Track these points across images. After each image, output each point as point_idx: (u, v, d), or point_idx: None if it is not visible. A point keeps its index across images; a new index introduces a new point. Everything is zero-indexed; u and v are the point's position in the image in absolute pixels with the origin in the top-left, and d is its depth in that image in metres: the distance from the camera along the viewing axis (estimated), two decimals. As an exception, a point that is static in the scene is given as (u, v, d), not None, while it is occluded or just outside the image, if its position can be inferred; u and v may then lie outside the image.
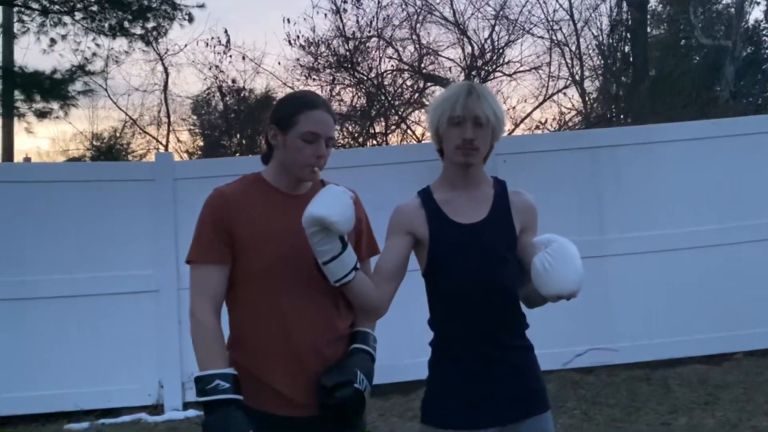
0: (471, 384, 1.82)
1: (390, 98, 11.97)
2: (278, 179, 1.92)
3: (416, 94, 12.34)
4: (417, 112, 12.33)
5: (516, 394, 1.83)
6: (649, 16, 14.70)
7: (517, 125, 11.79)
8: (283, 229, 1.84)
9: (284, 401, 1.83)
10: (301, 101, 1.90)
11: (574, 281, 1.65)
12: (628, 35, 13.47)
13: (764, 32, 15.31)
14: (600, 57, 13.75)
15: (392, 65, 12.24)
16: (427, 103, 11.49)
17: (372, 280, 1.86)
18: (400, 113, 12.12)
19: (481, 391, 1.82)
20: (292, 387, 1.83)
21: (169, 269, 5.05)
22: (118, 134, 14.91)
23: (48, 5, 9.81)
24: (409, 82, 12.33)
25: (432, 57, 12.29)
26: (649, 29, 14.67)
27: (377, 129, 12.28)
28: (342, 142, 11.95)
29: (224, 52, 12.53)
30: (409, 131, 12.42)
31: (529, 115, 12.08)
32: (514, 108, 12.30)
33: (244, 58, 12.84)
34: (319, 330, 1.86)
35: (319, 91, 11.89)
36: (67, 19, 10.11)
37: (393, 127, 12.46)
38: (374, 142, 12.16)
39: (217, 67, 12.99)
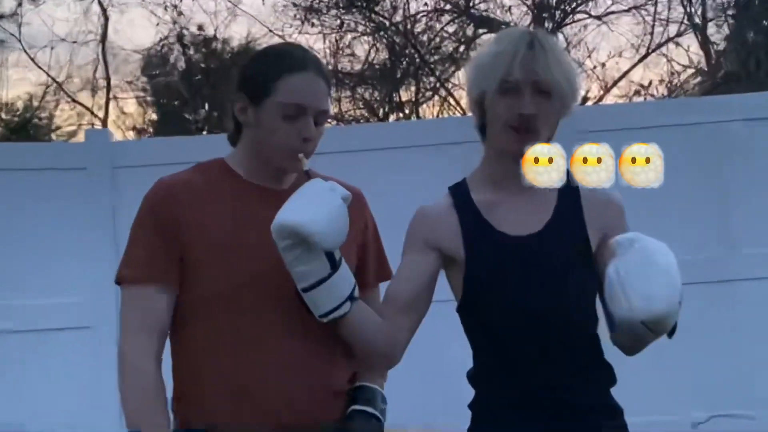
0: None
1: (423, 52, 12.38)
2: (250, 168, 1.96)
3: (462, 47, 12.74)
4: (462, 72, 12.76)
5: None
6: None
7: (606, 90, 12.04)
8: (256, 239, 1.84)
9: None
10: (279, 60, 1.92)
11: (662, 297, 1.65)
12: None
13: None
14: None
15: (427, 4, 12.66)
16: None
17: (380, 315, 1.91)
18: (437, 74, 12.51)
19: None
20: None
21: (106, 297, 4.74)
22: (36, 103, 15.32)
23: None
24: (451, 28, 12.81)
25: None
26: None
27: (404, 96, 12.81)
28: (352, 114, 13.06)
29: (186, -13, 13.13)
30: (450, 100, 12.90)
31: (625, 75, 12.26)
32: (603, 65, 12.43)
33: None
34: (303, 383, 1.89)
35: (321, 43, 13.34)
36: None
37: (428, 94, 12.99)
38: (399, 114, 12.71)
39: (175, 7, 13.50)
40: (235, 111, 1.93)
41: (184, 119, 14.66)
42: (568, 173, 1.84)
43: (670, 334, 1.72)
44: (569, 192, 1.92)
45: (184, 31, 13.87)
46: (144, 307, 1.87)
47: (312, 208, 1.69)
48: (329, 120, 9.84)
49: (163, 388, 1.86)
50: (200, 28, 13.91)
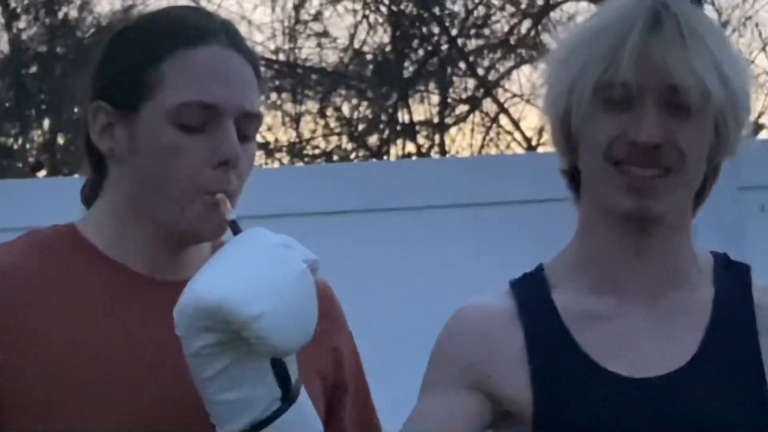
0: None
1: (457, 33, 10.49)
2: (122, 240, 1.48)
3: (528, 25, 10.54)
4: (529, 70, 10.76)
5: None
6: None
7: None
8: (134, 359, 1.41)
9: None
10: (163, 32, 1.46)
11: None
12: None
13: None
14: None
15: None
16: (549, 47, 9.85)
17: None
18: (483, 73, 10.62)
19: None
20: None
21: None
22: None
23: None
24: None
25: None
26: None
27: (419, 113, 10.76)
28: (320, 145, 11.44)
29: None
30: (505, 121, 10.77)
31: None
32: None
33: None
34: None
35: (267, 9, 12.60)
36: None
37: (463, 109, 10.80)
38: (407, 145, 10.87)
39: None
40: (91, 136, 1.45)
41: (5, 149, 12.28)
42: (739, 266, 1.58)
43: None
44: (737, 294, 1.54)
45: None
46: None
47: (251, 277, 1.23)
48: (273, 153, 10.98)
49: None
50: None
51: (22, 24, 11.51)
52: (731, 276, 1.49)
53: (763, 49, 10.59)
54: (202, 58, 1.38)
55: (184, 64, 1.38)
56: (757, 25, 10.26)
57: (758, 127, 9.47)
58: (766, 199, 4.30)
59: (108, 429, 1.35)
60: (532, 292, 1.49)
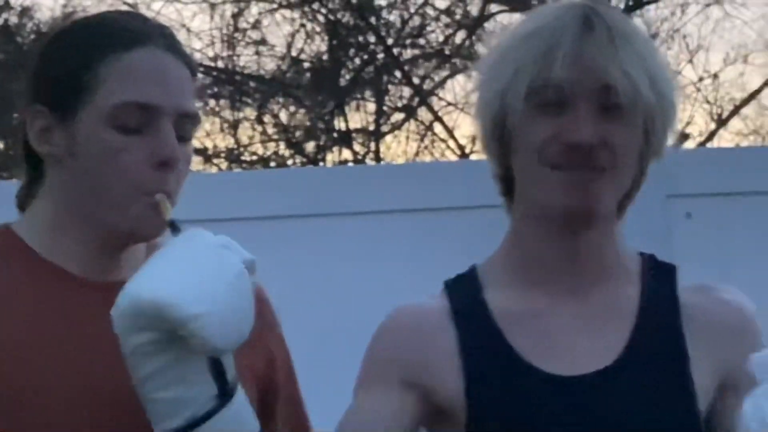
0: None
1: (393, 42, 10.67)
2: (58, 239, 1.46)
3: (463, 34, 10.84)
4: (463, 79, 11.09)
5: None
6: None
7: (722, 122, 9.99)
8: (69, 360, 1.38)
9: None
10: (98, 35, 1.43)
11: None
12: None
13: None
14: None
15: None
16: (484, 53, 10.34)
17: None
18: (418, 82, 10.86)
19: None
20: None
21: None
22: None
23: None
24: (443, 2, 10.98)
25: None
26: None
27: (354, 120, 11.03)
28: (258, 150, 11.65)
29: None
30: (439, 129, 11.04)
31: (756, 94, 9.91)
32: (715, 77, 10.30)
33: None
34: None
35: (205, 19, 12.78)
36: None
37: (398, 117, 11.22)
38: (345, 152, 11.09)
39: None
40: (29, 139, 1.41)
41: None
42: (666, 267, 1.57)
43: None
44: (663, 294, 1.53)
45: None
46: None
47: (190, 277, 1.20)
48: (211, 159, 11.17)
49: None
50: None
51: None
52: (658, 276, 1.50)
53: (690, 60, 10.83)
54: (139, 60, 1.37)
55: (121, 66, 1.36)
56: (684, 37, 10.55)
57: (685, 137, 9.71)
58: (693, 206, 3.98)
59: (45, 427, 1.34)
60: (465, 293, 1.49)
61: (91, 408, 1.31)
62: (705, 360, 1.41)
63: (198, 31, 11.75)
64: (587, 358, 1.39)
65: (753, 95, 10.43)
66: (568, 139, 1.34)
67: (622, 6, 10.61)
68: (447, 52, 11.24)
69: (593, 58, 1.35)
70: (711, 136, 10.84)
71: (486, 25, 11.19)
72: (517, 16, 10.90)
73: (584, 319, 1.43)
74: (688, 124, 10.70)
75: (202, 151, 11.35)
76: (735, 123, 10.89)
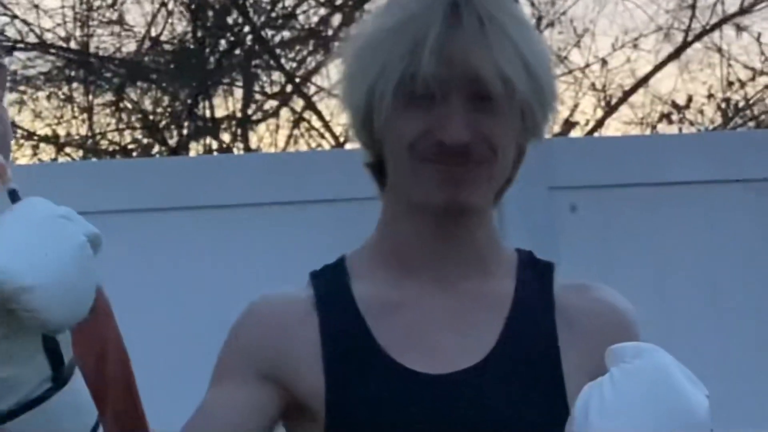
0: None
1: (262, 23, 10.21)
2: None
3: (337, 16, 10.45)
4: (338, 65, 10.49)
5: None
6: None
7: (609, 111, 9.65)
8: None
9: None
10: None
11: None
12: None
13: None
14: None
15: None
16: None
17: None
18: (290, 66, 10.49)
19: None
20: None
21: None
22: None
23: None
24: None
25: None
26: None
27: (221, 108, 10.48)
28: (115, 139, 10.92)
29: None
30: (311, 117, 10.59)
31: (642, 83, 9.68)
32: (604, 62, 9.82)
33: None
34: None
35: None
36: None
37: (270, 105, 10.77)
38: (212, 142, 10.51)
39: None
40: None
41: None
42: (543, 265, 1.67)
43: None
44: (538, 291, 1.63)
45: None
46: None
47: (25, 246, 1.18)
48: (63, 148, 10.62)
49: None
50: None
51: None
52: (534, 272, 1.53)
53: (577, 44, 10.41)
54: None
55: None
56: (572, 21, 9.99)
57: (569, 125, 9.54)
58: (577, 199, 4.31)
59: None
60: (331, 283, 1.51)
61: None
62: (578, 359, 1.45)
63: (48, 9, 10.56)
64: (454, 355, 1.43)
65: (642, 82, 9.95)
66: (441, 138, 1.38)
67: None
68: (322, 35, 10.62)
69: (462, 51, 1.38)
70: (599, 124, 10.34)
71: (366, 6, 10.24)
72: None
73: (454, 313, 1.46)
74: (574, 111, 10.28)
75: (53, 140, 10.75)
76: (624, 110, 10.37)
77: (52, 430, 1.18)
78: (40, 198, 1.20)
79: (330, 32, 10.60)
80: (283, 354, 1.49)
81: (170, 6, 10.34)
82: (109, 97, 10.65)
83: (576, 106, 10.07)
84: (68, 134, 10.74)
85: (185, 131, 10.44)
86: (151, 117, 10.58)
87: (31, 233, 1.16)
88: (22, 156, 10.47)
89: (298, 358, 1.48)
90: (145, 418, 1.69)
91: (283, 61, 10.67)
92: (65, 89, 10.55)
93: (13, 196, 1.23)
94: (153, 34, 10.24)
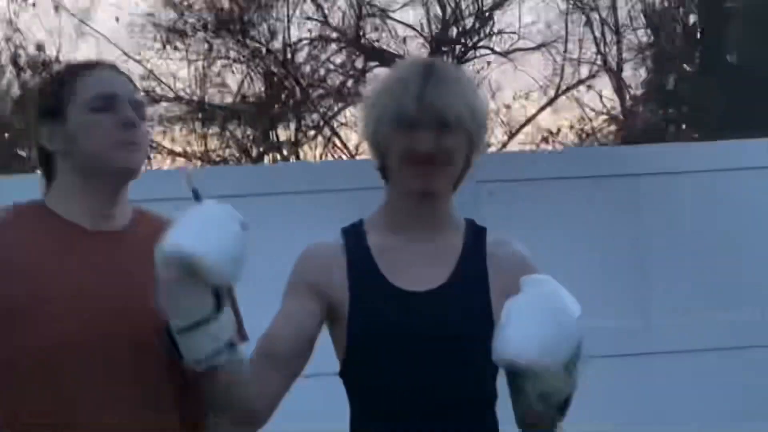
0: None
1: (305, 85, 12.69)
2: (71, 204, 1.86)
3: (351, 80, 12.97)
4: (350, 109, 13.27)
5: None
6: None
7: (512, 136, 12.22)
8: (82, 289, 1.77)
9: None
10: (68, 69, 1.93)
11: (534, 345, 1.63)
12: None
13: None
14: (649, 31, 13.83)
15: (311, 31, 12.93)
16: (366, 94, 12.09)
17: (253, 368, 1.82)
18: (321, 111, 12.78)
19: None
20: None
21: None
22: None
23: None
24: (338, 59, 12.97)
25: (377, 20, 13.16)
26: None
27: (282, 135, 13.00)
28: (221, 153, 13.22)
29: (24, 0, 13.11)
30: (335, 141, 13.10)
31: (532, 119, 12.53)
32: (508, 108, 12.44)
33: (57, 8, 13.18)
34: None
35: (185, 70, 13.65)
36: None
37: (310, 133, 13.21)
38: (276, 156, 12.91)
39: (10, 22, 13.16)
40: (43, 144, 1.86)
41: (16, 156, 13.92)
42: (479, 229, 1.95)
43: (562, 410, 1.75)
44: (475, 241, 1.95)
45: (20, 51, 13.51)
46: None
47: (209, 236, 1.62)
48: (193, 161, 12.43)
49: None
50: (39, 48, 13.48)
51: (28, 75, 13.62)
52: (474, 233, 1.95)
53: (492, 96, 12.87)
54: (95, 74, 1.85)
55: (86, 80, 1.83)
56: (489, 82, 12.97)
57: (488, 145, 9.98)
58: (493, 188, 4.66)
59: (65, 330, 1.72)
60: (353, 235, 1.93)
61: (92, 312, 1.73)
62: (499, 287, 1.84)
63: (183, 78, 13.59)
64: (424, 281, 1.85)
65: (531, 118, 12.88)
66: (418, 147, 1.79)
67: (453, 59, 12.71)
68: (343, 92, 13.26)
69: (431, 98, 1.79)
70: (505, 144, 13.18)
71: (367, 74, 13.32)
72: (386, 70, 11.88)
73: (426, 255, 1.88)
74: (491, 135, 12.35)
75: (182, 154, 13.70)
76: (520, 136, 13.21)
77: (215, 337, 1.65)
78: (214, 202, 1.65)
79: (347, 90, 13.26)
80: (324, 279, 1.87)
81: (253, 76, 13.43)
82: (215, 129, 13.65)
83: (492, 131, 12.42)
84: (192, 151, 13.80)
85: (261, 149, 13.48)
86: (241, 140, 13.56)
87: (210, 226, 1.62)
88: (164, 164, 13.45)
89: (333, 281, 1.87)
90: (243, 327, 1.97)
91: (319, 107, 13.36)
92: (190, 124, 13.58)
93: (196, 195, 1.67)
94: (243, 90, 13.40)
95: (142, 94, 1.90)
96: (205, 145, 13.68)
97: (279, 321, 1.83)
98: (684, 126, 12.93)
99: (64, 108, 1.78)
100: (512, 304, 1.61)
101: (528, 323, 1.59)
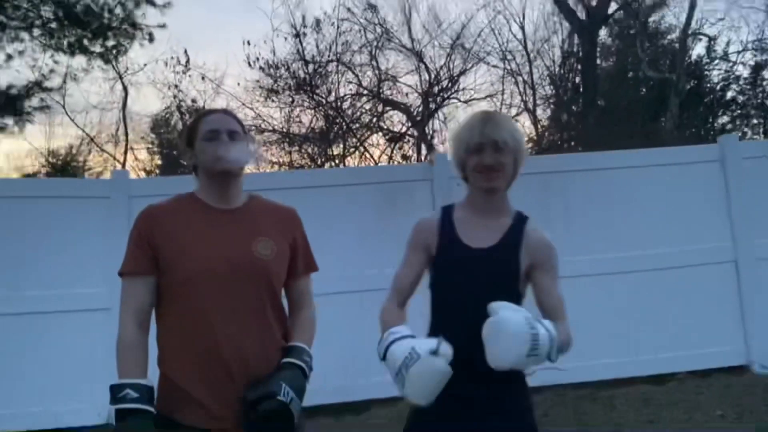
0: (447, 423, 2.49)
1: (348, 121, 14.92)
2: (207, 193, 2.49)
3: (374, 118, 15.43)
4: (375, 135, 15.67)
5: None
6: (598, 49, 18.31)
7: None
8: (212, 242, 2.34)
9: (207, 414, 2.29)
10: (198, 114, 2.57)
11: (506, 359, 2.16)
12: (579, 66, 17.16)
13: (706, 67, 18.77)
14: (551, 86, 17.07)
15: (351, 89, 15.22)
16: (385, 126, 15.81)
17: (392, 294, 2.55)
18: (358, 136, 15.01)
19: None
20: (217, 400, 2.29)
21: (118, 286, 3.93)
22: (74, 151, 17.91)
23: (5, 20, 11.95)
24: (367, 106, 15.43)
25: (390, 82, 15.67)
26: (598, 61, 18.37)
27: (335, 151, 14.93)
28: (299, 162, 15.06)
29: (184, 72, 15.66)
30: (366, 154, 15.37)
31: None
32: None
33: (203, 78, 15.93)
34: (248, 343, 2.31)
35: (277, 113, 16.64)
36: (24, 35, 12.39)
37: (351, 150, 15.28)
38: (332, 163, 14.63)
39: (176, 86, 15.79)
40: (189, 162, 2.54)
41: (181, 165, 16.80)
42: (524, 217, 2.61)
43: (551, 359, 2.34)
44: (518, 224, 2.60)
45: (182, 102, 16.02)
46: (130, 293, 2.37)
47: (417, 382, 2.25)
48: (283, 166, 14.11)
49: (141, 347, 2.33)
50: (193, 101, 15.95)
51: (187, 116, 15.02)
52: (518, 219, 2.46)
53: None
54: (211, 116, 2.34)
55: (205, 120, 2.35)
56: (457, 120, 14.28)
57: None
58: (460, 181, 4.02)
59: (200, 266, 2.20)
60: (446, 213, 2.43)
61: (216, 255, 2.15)
62: (525, 254, 2.34)
63: (277, 117, 15.52)
64: (482, 242, 2.32)
65: None
66: (483, 162, 2.31)
67: (433, 107, 15.05)
68: (370, 125, 15.51)
69: (490, 132, 2.28)
70: None
71: (385, 115, 15.37)
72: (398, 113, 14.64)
73: (485, 228, 2.35)
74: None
75: (277, 163, 14.96)
76: None
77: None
78: (429, 363, 2.07)
79: (372, 125, 15.11)
80: (429, 238, 2.43)
81: (317, 116, 15.26)
82: (296, 148, 15.11)
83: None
84: (282, 161, 15.02)
85: (323, 159, 14.98)
86: (311, 154, 15.22)
87: (422, 378, 2.10)
88: (266, 169, 12.85)
89: (431, 242, 2.42)
90: (314, 260, 2.41)
91: (357, 134, 15.17)
92: (281, 145, 15.09)
93: (434, 352, 2.12)
94: (312, 125, 15.33)
95: (240, 126, 2.43)
96: (290, 157, 15.46)
97: (404, 267, 2.56)
98: (573, 143, 16.02)
99: (194, 140, 2.44)
100: (487, 326, 2.17)
101: (494, 345, 2.15)
